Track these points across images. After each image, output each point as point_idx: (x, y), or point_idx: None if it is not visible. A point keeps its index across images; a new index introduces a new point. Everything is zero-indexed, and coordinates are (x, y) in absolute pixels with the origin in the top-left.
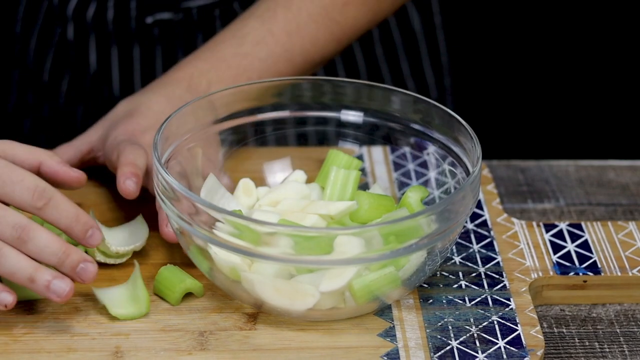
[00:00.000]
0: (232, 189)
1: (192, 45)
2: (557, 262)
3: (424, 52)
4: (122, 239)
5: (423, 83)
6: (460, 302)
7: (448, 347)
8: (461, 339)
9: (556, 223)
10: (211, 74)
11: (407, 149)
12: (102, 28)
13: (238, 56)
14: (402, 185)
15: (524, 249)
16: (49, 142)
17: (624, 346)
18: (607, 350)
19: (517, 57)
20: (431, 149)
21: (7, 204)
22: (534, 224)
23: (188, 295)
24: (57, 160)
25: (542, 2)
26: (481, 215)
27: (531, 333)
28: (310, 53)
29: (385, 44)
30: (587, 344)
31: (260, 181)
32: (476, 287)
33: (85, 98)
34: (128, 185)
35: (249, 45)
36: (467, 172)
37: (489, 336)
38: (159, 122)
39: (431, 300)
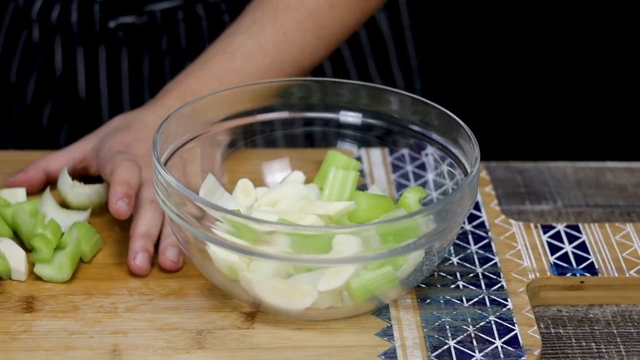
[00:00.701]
0: (230, 190)
1: (157, 47)
2: (554, 263)
3: (392, 54)
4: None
5: (392, 85)
6: (458, 302)
7: (445, 347)
8: (458, 338)
9: (554, 224)
10: (203, 92)
11: (405, 151)
12: (66, 30)
13: (229, 73)
14: (401, 187)
15: (522, 250)
16: (20, 143)
17: (621, 347)
18: (604, 350)
19: (512, 58)
20: (430, 150)
21: None
22: (532, 225)
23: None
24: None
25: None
26: (479, 217)
27: (528, 333)
28: (299, 61)
29: (352, 45)
30: (584, 344)
31: (259, 182)
32: (474, 288)
33: (52, 98)
34: (120, 207)
35: (239, 61)
36: (466, 173)
37: (486, 336)
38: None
39: (429, 300)
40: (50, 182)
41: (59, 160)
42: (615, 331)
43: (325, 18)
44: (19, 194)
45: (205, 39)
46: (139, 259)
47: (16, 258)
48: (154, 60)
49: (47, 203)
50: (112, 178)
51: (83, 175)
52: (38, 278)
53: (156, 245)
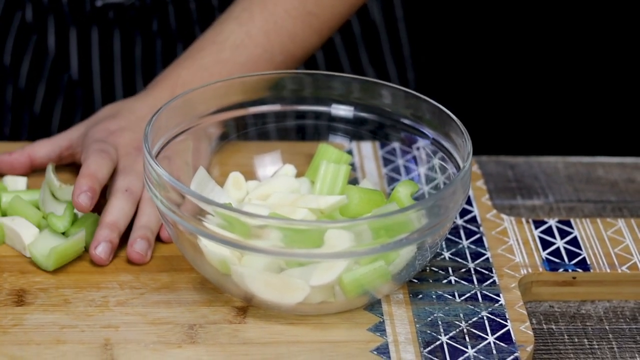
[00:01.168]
0: (222, 183)
1: (148, 29)
2: (546, 258)
3: (385, 44)
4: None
5: (385, 76)
6: (450, 297)
7: (438, 342)
8: (451, 334)
9: (545, 219)
10: (194, 83)
11: (396, 144)
12: (58, 11)
13: (219, 63)
14: (392, 181)
15: (514, 245)
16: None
17: (613, 343)
18: (596, 346)
19: (505, 53)
20: (421, 143)
21: None
22: (523, 220)
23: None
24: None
25: None
26: (470, 211)
27: (521, 329)
28: (290, 50)
29: (344, 35)
30: (576, 340)
31: (250, 175)
32: (466, 283)
33: (45, 79)
34: (81, 200)
35: (228, 51)
36: (458, 168)
37: (479, 331)
38: (139, 125)
39: (421, 296)
40: (34, 168)
41: (46, 147)
42: (607, 327)
43: (314, 5)
44: (19, 182)
45: (195, 21)
46: (100, 248)
47: (28, 234)
48: (145, 42)
49: (47, 196)
50: (81, 170)
51: (71, 163)
52: (29, 271)
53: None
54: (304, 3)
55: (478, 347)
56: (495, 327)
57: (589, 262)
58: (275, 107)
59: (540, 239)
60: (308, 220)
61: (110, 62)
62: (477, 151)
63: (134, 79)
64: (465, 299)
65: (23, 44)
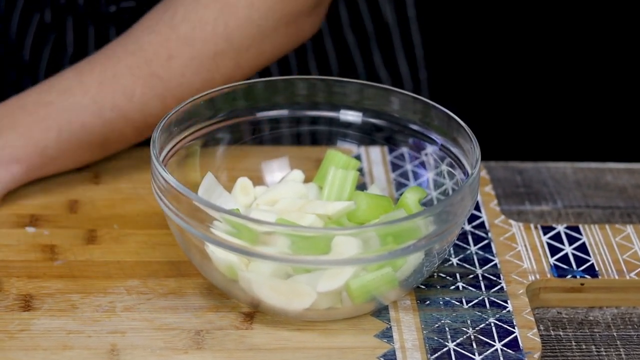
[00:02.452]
0: (229, 188)
1: None
2: (554, 264)
3: (398, 44)
4: None
5: (397, 75)
6: (458, 303)
7: (445, 349)
8: (458, 340)
9: (554, 225)
10: (5, 120)
11: (405, 150)
12: (76, 12)
13: (39, 104)
14: (400, 186)
15: (522, 251)
16: None
17: (621, 350)
18: (604, 353)
19: (514, 57)
20: (429, 149)
21: None
22: (532, 226)
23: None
24: None
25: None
26: (479, 217)
27: (528, 336)
28: (124, 109)
29: (358, 35)
30: (583, 347)
31: (258, 180)
32: (473, 289)
33: None
34: None
35: (54, 93)
36: (466, 174)
37: (486, 338)
38: None
39: (428, 302)
40: None
41: None
42: (615, 334)
43: (161, 68)
44: None
45: None
46: None
47: None
48: None
49: None
50: None
51: None
52: (36, 276)
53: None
54: (149, 63)
55: (485, 353)
56: (503, 333)
57: (597, 269)
58: (284, 113)
59: (549, 245)
60: (315, 227)
61: None
62: (485, 156)
63: None
64: (473, 306)
65: (42, 41)
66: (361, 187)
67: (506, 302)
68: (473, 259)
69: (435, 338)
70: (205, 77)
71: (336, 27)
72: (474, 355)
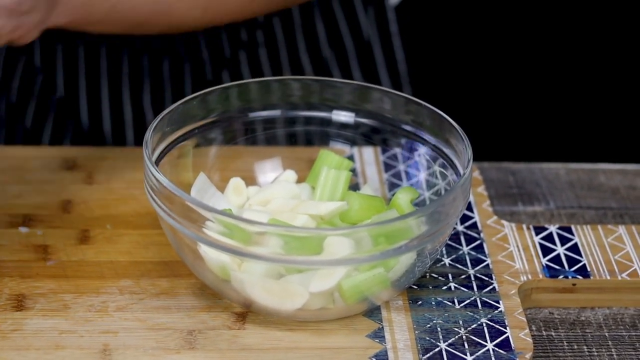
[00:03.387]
0: (222, 188)
1: (132, 46)
2: (546, 265)
3: (380, 60)
4: None
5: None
6: (450, 304)
7: (437, 349)
8: (450, 340)
9: (546, 226)
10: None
11: (397, 150)
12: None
13: None
14: (393, 187)
15: (514, 251)
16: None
17: (612, 350)
18: (596, 353)
19: (504, 60)
20: (422, 150)
21: None
22: (524, 226)
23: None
24: None
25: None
26: (471, 217)
27: (520, 336)
28: None
29: (337, 51)
30: (575, 347)
31: (250, 180)
32: (465, 289)
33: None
34: None
35: None
36: (458, 174)
37: (478, 338)
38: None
39: (420, 302)
40: None
41: None
42: (607, 334)
43: None
44: None
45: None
46: None
47: None
48: (132, 59)
49: None
50: None
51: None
52: (29, 276)
53: None
54: None
55: (477, 354)
56: (495, 334)
57: (589, 269)
58: (276, 113)
59: (541, 245)
60: (308, 227)
61: (97, 78)
62: (478, 157)
63: (120, 93)
64: (465, 306)
65: (11, 64)
66: (354, 187)
67: (498, 303)
68: (465, 260)
69: (427, 338)
70: None
71: (313, 43)
72: (466, 355)
